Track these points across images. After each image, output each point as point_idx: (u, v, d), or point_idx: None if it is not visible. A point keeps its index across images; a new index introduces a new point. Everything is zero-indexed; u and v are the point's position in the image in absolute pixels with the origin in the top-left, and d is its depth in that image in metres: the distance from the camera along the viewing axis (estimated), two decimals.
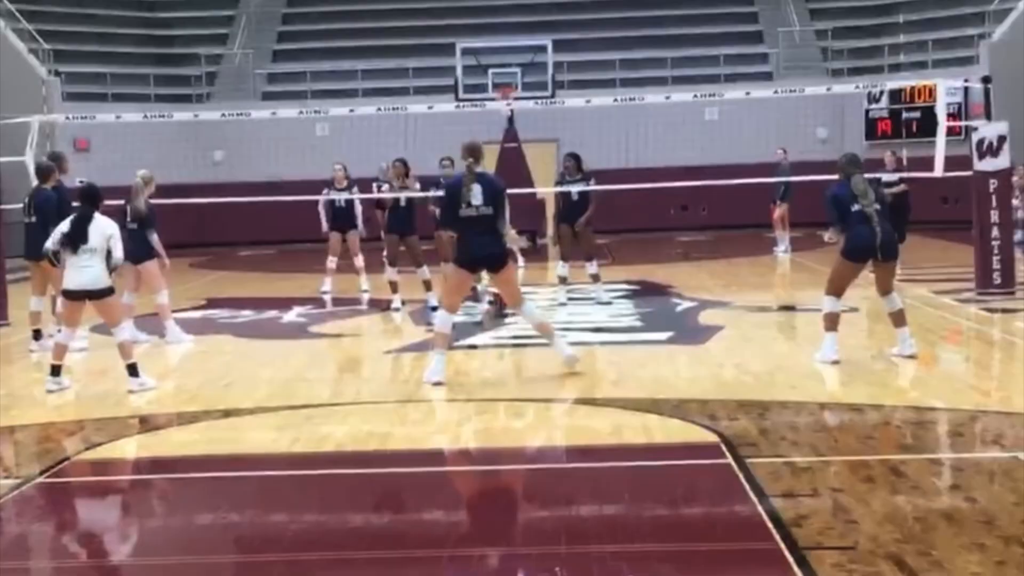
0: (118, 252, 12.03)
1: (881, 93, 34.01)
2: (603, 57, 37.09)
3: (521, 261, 23.19)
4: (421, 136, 30.11)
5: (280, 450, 9.48)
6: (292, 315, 18.03)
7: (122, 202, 15.69)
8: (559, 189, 18.00)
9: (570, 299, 17.92)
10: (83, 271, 11.91)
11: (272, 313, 18.37)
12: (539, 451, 9.40)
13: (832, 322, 12.46)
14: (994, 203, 17.26)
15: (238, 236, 34.04)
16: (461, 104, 28.70)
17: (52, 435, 10.34)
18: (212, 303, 20.08)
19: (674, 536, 7.10)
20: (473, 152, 12.11)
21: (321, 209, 20.61)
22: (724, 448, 8.91)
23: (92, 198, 12.20)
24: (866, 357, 12.87)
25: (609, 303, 17.67)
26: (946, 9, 36.54)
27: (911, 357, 12.39)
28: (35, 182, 18.08)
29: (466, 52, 33.25)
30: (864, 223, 12.17)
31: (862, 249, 12.25)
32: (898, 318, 12.58)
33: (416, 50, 37.87)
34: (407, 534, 7.33)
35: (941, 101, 18.53)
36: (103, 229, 11.96)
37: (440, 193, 18.24)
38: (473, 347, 14.64)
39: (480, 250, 11.85)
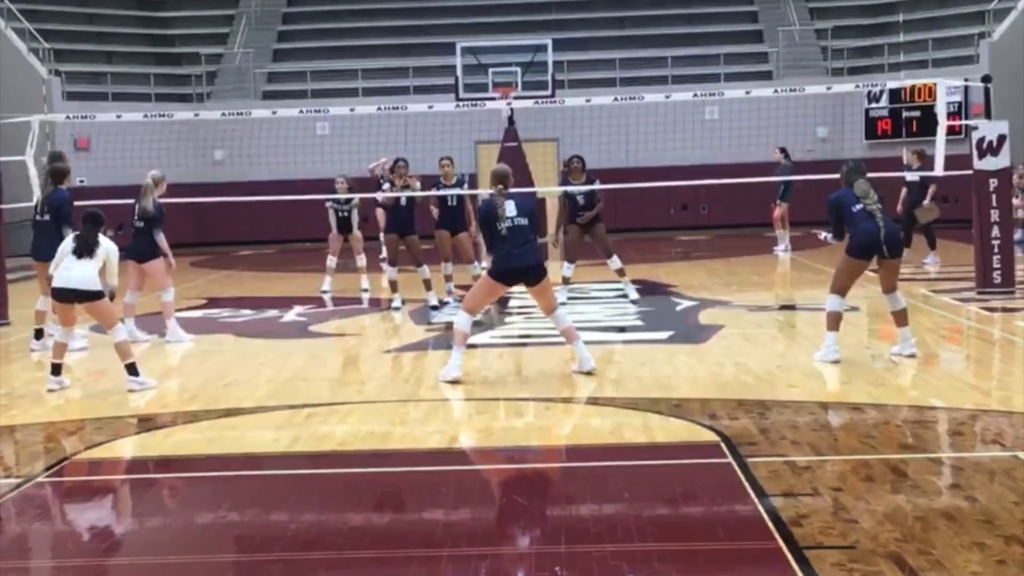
0: (113, 279, 12.34)
1: (881, 92, 34.00)
2: (603, 56, 37.09)
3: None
4: (421, 135, 30.08)
5: (280, 450, 9.48)
6: (292, 315, 18.03)
7: (131, 201, 15.77)
8: (565, 189, 17.96)
9: (570, 298, 17.90)
10: (71, 271, 12.01)
11: (272, 313, 18.38)
12: (539, 451, 9.39)
13: (835, 321, 12.49)
14: (994, 202, 17.26)
15: (238, 236, 34.05)
16: (461, 103, 28.69)
17: (52, 434, 10.35)
18: (212, 302, 20.10)
19: (674, 535, 7.09)
20: (502, 179, 12.29)
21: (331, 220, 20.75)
22: (724, 447, 8.92)
23: (97, 221, 12.42)
24: (866, 357, 12.87)
25: (637, 300, 17.65)
26: (946, 8, 36.55)
27: (911, 356, 12.41)
28: (35, 181, 18.12)
29: (466, 51, 33.23)
30: (869, 220, 12.25)
31: (867, 245, 12.30)
32: (901, 317, 12.62)
33: (416, 49, 37.88)
34: (407, 534, 7.32)
35: (941, 100, 18.52)
36: (104, 246, 12.24)
37: (440, 192, 18.30)
38: (473, 347, 14.62)
39: (519, 261, 11.87)
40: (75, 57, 36.47)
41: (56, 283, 12.14)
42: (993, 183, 17.24)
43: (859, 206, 12.29)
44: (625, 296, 18.00)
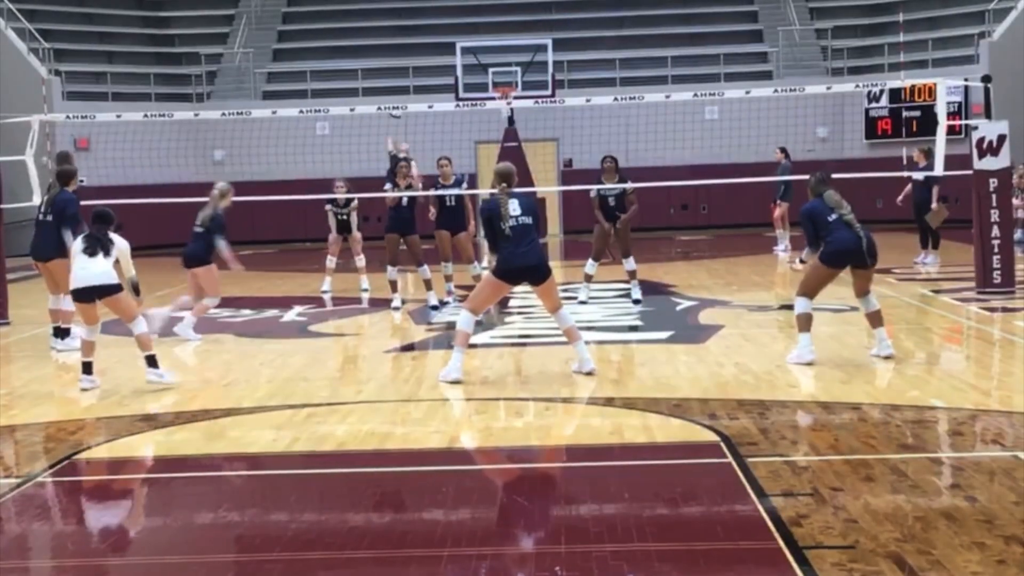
0: (130, 271, 12.51)
1: (881, 92, 34.01)
2: (603, 56, 37.11)
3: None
4: (421, 135, 30.07)
5: (280, 450, 9.48)
6: (292, 314, 18.04)
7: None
8: (596, 187, 17.90)
9: (567, 298, 17.88)
10: (87, 270, 12.06)
11: (272, 312, 18.38)
12: (539, 451, 9.39)
13: (806, 323, 12.52)
14: (994, 202, 17.26)
15: (238, 236, 34.00)
16: (461, 103, 28.69)
17: (52, 434, 10.34)
18: None
19: (674, 535, 7.09)
20: (505, 177, 12.16)
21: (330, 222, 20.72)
22: (724, 447, 8.92)
23: (106, 219, 12.57)
24: (866, 357, 12.87)
25: (639, 301, 17.65)
26: (946, 8, 36.56)
27: (888, 358, 12.43)
28: (35, 181, 18.11)
29: (466, 51, 33.25)
30: (846, 229, 12.31)
31: (844, 253, 12.35)
32: (875, 318, 12.66)
33: (416, 49, 37.88)
34: (407, 534, 7.32)
35: (941, 100, 18.52)
36: (116, 244, 12.37)
37: (439, 192, 18.28)
38: (473, 347, 14.63)
39: (523, 260, 11.83)
40: (75, 57, 36.48)
41: (74, 284, 12.20)
42: (993, 183, 17.25)
43: (834, 216, 12.35)
44: (626, 296, 17.99)
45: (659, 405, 10.57)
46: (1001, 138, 17.17)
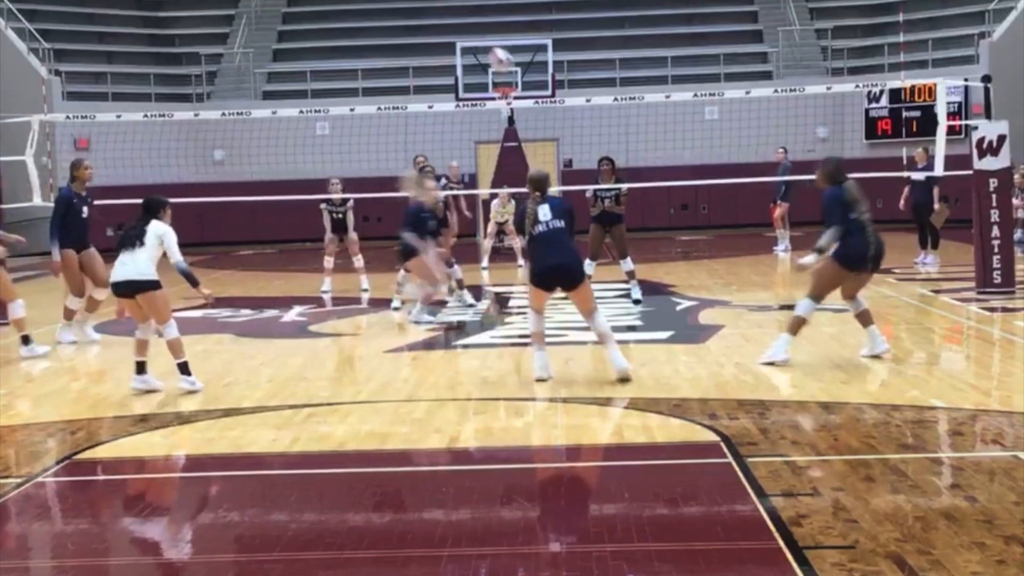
0: (175, 255, 12.00)
1: (881, 92, 34.02)
2: (603, 56, 37.12)
3: (521, 260, 23.23)
4: (421, 135, 30.10)
5: (280, 450, 9.49)
6: (292, 315, 18.04)
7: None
8: (591, 187, 17.92)
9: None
10: (124, 265, 11.88)
11: (272, 313, 18.38)
12: (539, 451, 9.39)
13: (798, 326, 12.46)
14: (994, 202, 17.26)
15: (238, 236, 34.06)
16: (461, 103, 28.70)
17: (53, 434, 10.36)
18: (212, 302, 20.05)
19: (674, 535, 7.09)
20: (537, 185, 11.99)
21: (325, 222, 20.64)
22: (724, 447, 8.93)
23: (148, 208, 12.24)
24: (867, 358, 12.87)
25: (639, 301, 17.64)
26: (946, 8, 36.57)
27: (881, 355, 12.45)
28: (34, 181, 18.12)
29: (466, 51, 33.23)
30: (860, 232, 12.15)
31: (856, 258, 12.20)
32: (865, 317, 12.61)
33: (416, 49, 37.88)
34: (407, 534, 7.33)
35: (941, 100, 18.54)
36: (154, 231, 12.00)
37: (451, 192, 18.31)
38: (473, 346, 14.65)
39: (554, 261, 11.69)
40: (75, 57, 36.49)
41: (111, 278, 12.13)
42: (993, 183, 17.25)
43: (853, 215, 12.15)
44: (627, 296, 17.99)
45: (659, 405, 10.58)
46: (1001, 138, 17.17)
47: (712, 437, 9.30)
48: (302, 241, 32.20)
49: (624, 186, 17.82)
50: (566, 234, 11.78)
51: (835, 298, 17.36)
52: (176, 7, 40.11)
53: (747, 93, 24.58)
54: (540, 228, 11.74)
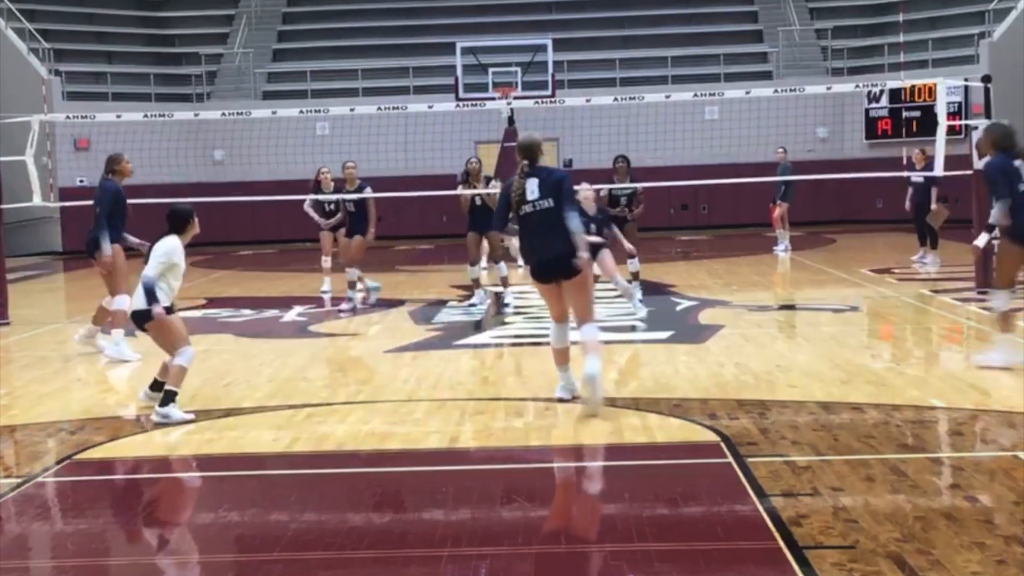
0: (151, 269, 10.70)
1: (881, 92, 34.03)
2: (603, 56, 37.14)
3: (521, 260, 23.21)
4: (421, 135, 30.12)
5: (280, 450, 9.48)
6: (292, 315, 18.03)
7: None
8: (606, 187, 17.95)
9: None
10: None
11: (272, 313, 18.37)
12: (539, 451, 9.37)
13: (1008, 322, 11.53)
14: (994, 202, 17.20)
15: (238, 236, 34.05)
16: (461, 103, 28.71)
17: (52, 434, 10.35)
18: (212, 302, 20.09)
19: (674, 535, 7.09)
20: (526, 152, 10.48)
21: (310, 210, 20.38)
22: (724, 447, 8.93)
23: (169, 220, 11.02)
24: (866, 357, 12.88)
25: (641, 300, 17.57)
26: (946, 8, 36.57)
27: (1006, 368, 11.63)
28: (35, 181, 18.11)
29: (466, 51, 33.27)
30: None
31: None
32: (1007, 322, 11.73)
33: (416, 49, 37.91)
34: (407, 534, 7.33)
35: (941, 100, 18.53)
36: (165, 248, 10.84)
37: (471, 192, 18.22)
38: (473, 347, 14.65)
39: (543, 253, 10.35)
40: (75, 57, 36.50)
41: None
42: None
43: (1022, 186, 11.26)
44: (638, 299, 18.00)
45: (659, 405, 10.58)
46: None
47: (712, 437, 9.29)
48: (302, 241, 32.19)
49: (639, 185, 17.86)
50: (556, 215, 10.20)
51: (834, 297, 17.40)
52: (176, 7, 40.11)
53: (747, 93, 24.60)
54: (527, 208, 10.31)
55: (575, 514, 7.66)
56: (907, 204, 23.62)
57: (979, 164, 17.13)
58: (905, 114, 34.08)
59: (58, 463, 9.32)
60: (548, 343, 13.56)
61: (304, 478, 8.92)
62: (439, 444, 9.55)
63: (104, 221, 14.11)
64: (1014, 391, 10.64)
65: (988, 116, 18.11)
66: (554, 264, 10.31)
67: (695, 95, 23.10)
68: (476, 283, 18.23)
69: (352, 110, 22.52)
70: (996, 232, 11.68)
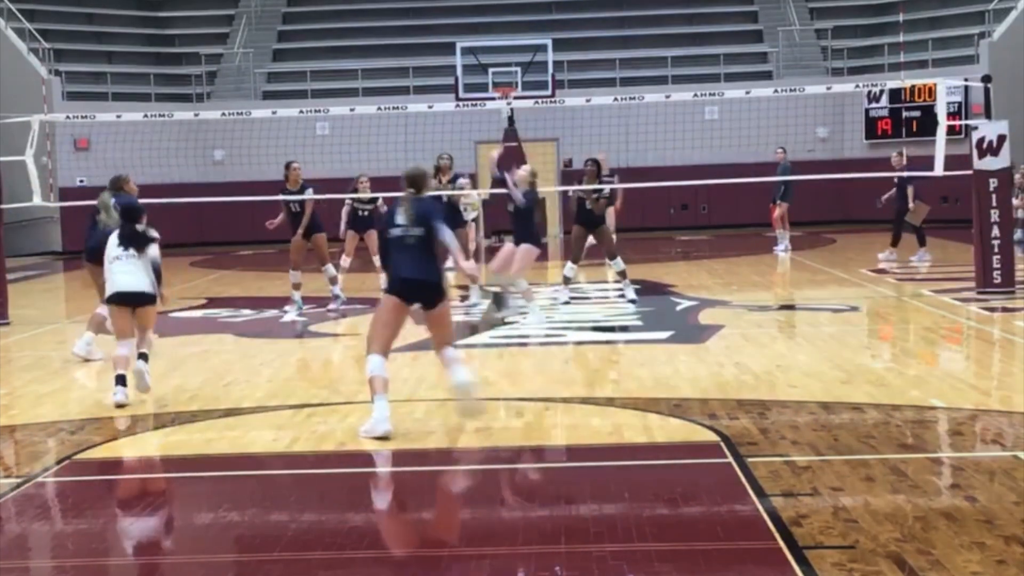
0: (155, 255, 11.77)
1: (881, 92, 34.03)
2: (603, 56, 37.13)
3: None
4: (421, 135, 30.11)
5: (280, 450, 9.49)
6: (292, 315, 18.01)
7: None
8: (571, 189, 18.00)
9: (572, 299, 17.96)
10: (132, 275, 11.63)
11: (272, 312, 18.36)
12: (539, 451, 9.38)
13: None
14: (994, 202, 17.25)
15: (238, 236, 34.04)
16: (461, 103, 28.71)
17: (52, 434, 10.35)
18: (212, 302, 20.11)
19: (674, 535, 7.10)
20: (412, 182, 10.28)
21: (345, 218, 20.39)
22: (724, 447, 8.93)
23: (136, 216, 11.99)
24: (866, 357, 12.88)
25: (635, 300, 17.58)
26: (946, 8, 36.58)
27: None
28: (35, 181, 18.12)
29: (466, 51, 33.28)
30: None
31: None
32: None
33: (416, 49, 37.90)
34: (407, 534, 7.35)
35: (941, 100, 18.54)
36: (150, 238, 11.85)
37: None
38: (472, 347, 14.64)
39: (406, 273, 10.08)
40: (75, 57, 36.50)
41: (116, 287, 11.77)
42: (993, 183, 17.24)
43: None
44: (624, 296, 18.00)
45: (659, 405, 10.58)
46: (1001, 138, 17.16)
47: (712, 437, 9.30)
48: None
49: (608, 187, 17.88)
50: (424, 244, 9.98)
51: (834, 297, 17.42)
52: (176, 7, 40.11)
53: (747, 93, 24.61)
54: (396, 232, 10.04)
55: (575, 514, 7.62)
56: (880, 202, 23.81)
57: (979, 164, 17.18)
58: (905, 114, 34.09)
59: (58, 463, 9.32)
60: (548, 343, 13.61)
61: (304, 478, 8.92)
62: (439, 444, 9.56)
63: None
64: (1014, 391, 10.66)
65: (988, 116, 18.14)
66: (414, 287, 10.14)
67: (695, 95, 23.12)
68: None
69: (352, 110, 22.52)
70: None
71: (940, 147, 17.52)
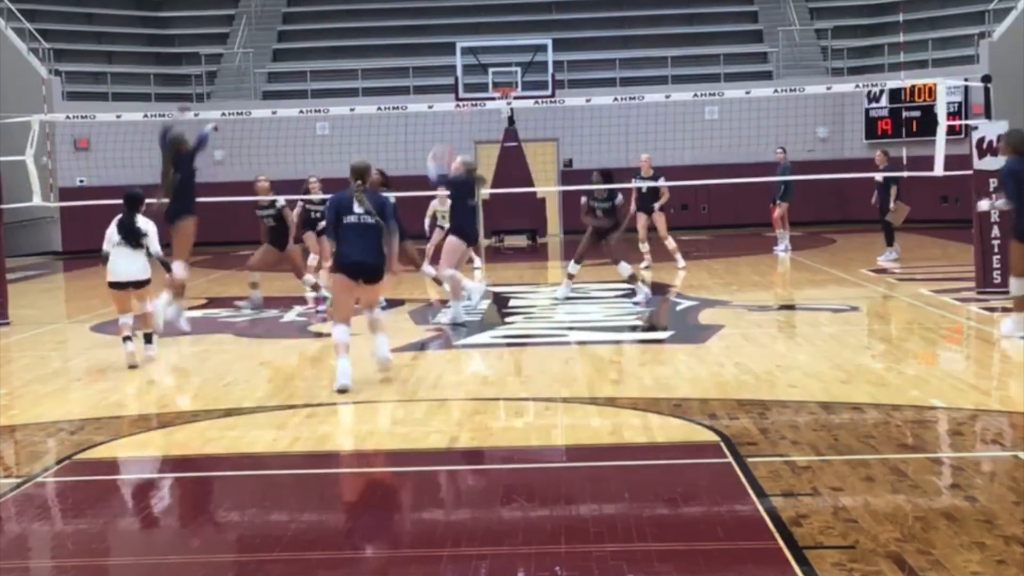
0: (155, 246, 13.68)
1: (881, 92, 34.03)
2: (603, 56, 37.14)
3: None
4: (421, 135, 30.10)
5: (280, 450, 9.52)
6: (292, 315, 18.02)
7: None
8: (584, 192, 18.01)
9: (571, 298, 17.99)
10: (134, 263, 13.56)
11: (272, 313, 18.36)
12: (539, 451, 9.39)
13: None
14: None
15: (238, 236, 34.04)
16: (461, 103, 28.72)
17: (52, 434, 10.38)
18: (212, 302, 20.10)
19: (674, 535, 7.11)
20: (360, 174, 11.95)
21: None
22: (724, 447, 8.95)
23: (137, 203, 13.78)
24: (866, 357, 12.89)
25: (639, 303, 17.56)
26: (946, 8, 36.58)
27: None
28: (35, 181, 18.12)
29: (466, 51, 33.29)
30: None
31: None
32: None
33: (416, 49, 37.92)
34: (407, 534, 7.37)
35: (941, 100, 18.55)
36: (146, 227, 13.65)
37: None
38: (473, 346, 14.68)
39: (355, 257, 11.79)
40: (75, 57, 36.50)
41: (116, 276, 13.61)
42: (993, 183, 17.23)
43: None
44: (627, 296, 18.02)
45: (659, 405, 10.60)
46: (1000, 138, 17.15)
47: (712, 437, 9.32)
48: (300, 242, 32.22)
49: (618, 187, 17.89)
50: (375, 231, 11.83)
51: (834, 297, 17.42)
52: (176, 7, 40.12)
53: (747, 93, 24.59)
54: (350, 219, 11.77)
55: (575, 514, 7.63)
56: (873, 201, 23.85)
57: (978, 164, 17.19)
58: (905, 114, 34.08)
59: (58, 463, 9.34)
60: (548, 343, 13.63)
61: (304, 478, 8.94)
62: (439, 444, 9.57)
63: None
64: (1014, 391, 10.67)
65: (988, 116, 18.15)
66: (360, 267, 11.85)
67: (695, 95, 23.12)
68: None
69: (352, 110, 22.51)
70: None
71: (940, 147, 17.53)
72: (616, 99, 22.14)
